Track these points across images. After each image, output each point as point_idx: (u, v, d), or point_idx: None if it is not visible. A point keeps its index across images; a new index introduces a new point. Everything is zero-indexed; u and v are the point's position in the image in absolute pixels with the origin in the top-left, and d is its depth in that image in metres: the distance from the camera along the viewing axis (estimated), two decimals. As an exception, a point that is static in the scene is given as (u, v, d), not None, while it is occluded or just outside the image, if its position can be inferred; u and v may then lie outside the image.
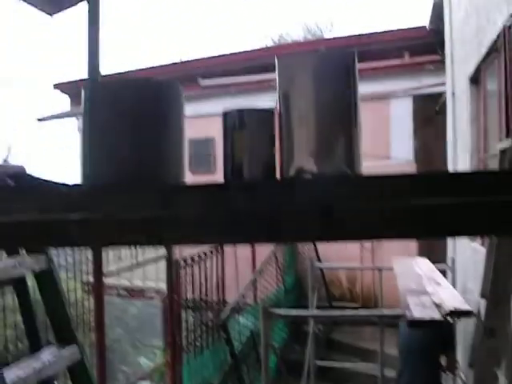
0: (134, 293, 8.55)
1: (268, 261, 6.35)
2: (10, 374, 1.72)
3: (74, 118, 10.72)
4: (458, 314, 2.67)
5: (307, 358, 5.25)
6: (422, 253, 6.10)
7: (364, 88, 1.08)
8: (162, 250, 4.45)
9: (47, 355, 1.90)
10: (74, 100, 10.58)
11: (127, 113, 1.03)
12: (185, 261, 3.65)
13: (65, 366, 1.96)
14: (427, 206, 0.83)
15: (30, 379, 1.78)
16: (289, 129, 1.05)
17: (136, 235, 0.84)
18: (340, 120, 1.05)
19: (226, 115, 1.08)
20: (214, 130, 8.05)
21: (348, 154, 1.05)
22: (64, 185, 0.99)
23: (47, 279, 1.98)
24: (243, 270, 5.99)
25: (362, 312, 3.36)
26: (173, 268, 3.43)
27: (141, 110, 1.03)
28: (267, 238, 0.90)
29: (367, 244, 7.62)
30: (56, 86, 11.05)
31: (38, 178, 1.24)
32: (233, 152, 1.06)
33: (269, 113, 1.09)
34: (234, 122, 1.06)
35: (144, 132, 1.04)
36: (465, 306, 2.66)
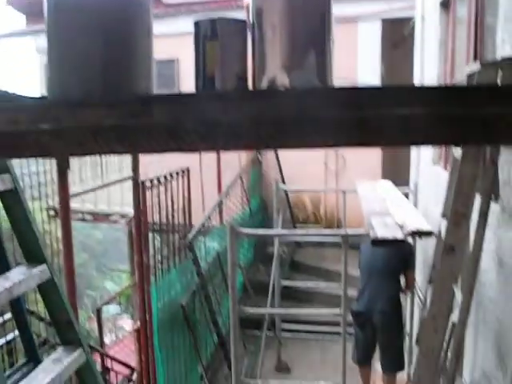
0: (98, 217, 8.56)
1: (234, 183, 6.40)
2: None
3: (30, 37, 10.23)
4: (419, 233, 2.78)
5: (272, 279, 5.42)
6: (386, 176, 6.23)
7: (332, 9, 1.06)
8: (126, 172, 4.41)
9: (17, 274, 1.90)
10: (31, 18, 10.08)
11: (95, 24, 0.99)
12: (151, 181, 3.64)
13: (35, 285, 1.98)
14: (399, 116, 0.84)
15: (2, 298, 1.79)
16: (261, 41, 1.03)
17: (109, 143, 0.83)
18: (312, 32, 1.04)
19: (197, 25, 1.04)
20: (178, 51, 7.83)
21: (320, 66, 1.04)
22: (32, 98, 0.96)
23: (13, 199, 1.94)
24: (209, 192, 6.03)
25: (326, 231, 3.46)
26: (139, 189, 3.42)
27: (109, 20, 0.99)
28: (238, 147, 0.90)
29: (332, 166, 7.73)
30: (9, 3, 10.48)
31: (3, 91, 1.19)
32: (204, 63, 1.04)
33: (241, 23, 1.06)
34: (206, 32, 1.02)
35: (112, 44, 1.00)
36: (426, 227, 2.76)
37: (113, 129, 0.85)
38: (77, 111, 0.86)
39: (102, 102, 0.88)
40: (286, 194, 7.40)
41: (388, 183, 4.75)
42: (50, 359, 2.06)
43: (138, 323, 3.84)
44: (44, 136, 0.86)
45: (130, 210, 5.58)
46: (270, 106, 0.86)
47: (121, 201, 7.16)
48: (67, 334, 2.11)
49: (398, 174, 6.39)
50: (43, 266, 1.99)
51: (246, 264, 6.54)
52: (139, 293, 3.66)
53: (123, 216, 7.30)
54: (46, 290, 2.06)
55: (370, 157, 7.17)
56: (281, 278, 5.52)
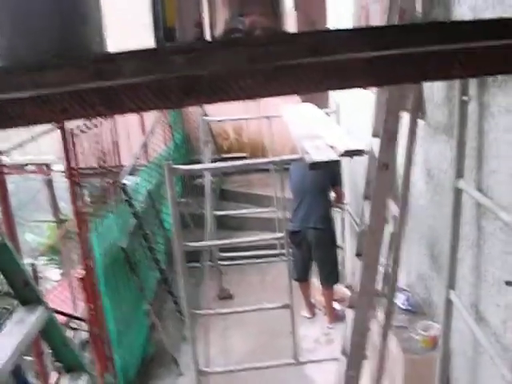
0: (12, 168, 8.19)
1: (157, 121, 6.36)
2: None
3: None
4: (351, 153, 2.93)
5: (206, 210, 5.53)
6: (306, 98, 6.35)
7: None
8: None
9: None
10: None
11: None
12: (78, 129, 3.56)
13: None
14: (362, 58, 0.92)
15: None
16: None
17: (93, 106, 0.85)
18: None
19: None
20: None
21: (275, 11, 1.09)
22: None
23: None
24: (135, 134, 5.96)
25: (261, 160, 3.56)
26: (67, 136, 3.35)
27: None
28: (217, 99, 0.94)
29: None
30: None
31: None
32: (164, 13, 1.06)
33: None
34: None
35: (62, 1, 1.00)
36: (357, 146, 2.91)
37: (74, 93, 0.87)
38: (46, 75, 0.87)
39: (68, 63, 0.89)
40: (209, 126, 7.41)
41: (310, 106, 4.87)
42: (12, 322, 2.06)
43: (82, 272, 3.86)
44: (19, 105, 0.87)
45: (47, 158, 5.44)
46: (234, 56, 0.91)
47: (49, 150, 6.89)
48: (26, 294, 2.11)
49: (318, 95, 6.51)
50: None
51: (177, 198, 6.57)
52: (80, 241, 3.66)
53: (41, 165, 7.04)
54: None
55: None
56: (214, 208, 5.66)
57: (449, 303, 2.30)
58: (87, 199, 4.06)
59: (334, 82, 0.93)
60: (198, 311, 4.20)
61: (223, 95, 0.88)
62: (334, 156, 2.82)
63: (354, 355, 2.86)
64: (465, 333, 2.42)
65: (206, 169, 4.97)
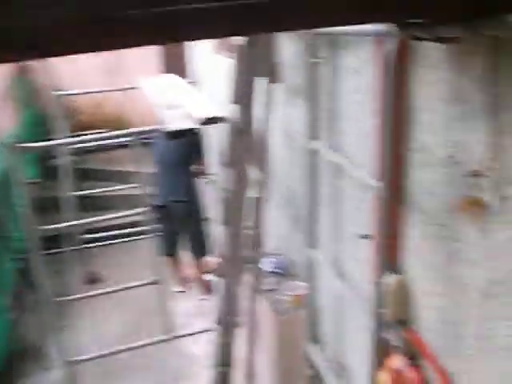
0: None
1: (3, 97, 5.90)
2: None
3: None
4: (211, 120, 2.93)
5: (63, 191, 5.27)
6: (169, 70, 6.24)
7: None
8: None
9: None
10: None
11: None
12: None
13: None
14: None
15: None
16: None
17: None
18: None
19: None
20: None
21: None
22: None
23: None
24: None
25: (117, 133, 3.43)
26: None
27: None
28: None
29: (111, 67, 7.47)
30: None
31: None
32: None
33: None
34: None
35: None
36: (217, 113, 2.91)
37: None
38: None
39: None
40: (65, 101, 7.02)
41: (172, 76, 4.79)
42: None
43: None
44: None
45: None
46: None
47: None
48: None
49: (177, 66, 6.43)
50: None
51: (37, 181, 6.22)
52: None
53: None
54: None
55: (150, 52, 7.06)
56: (74, 188, 5.40)
57: (311, 262, 2.40)
58: None
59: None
60: (62, 298, 4.01)
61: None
62: (192, 125, 2.80)
63: (227, 323, 2.91)
64: (329, 289, 2.55)
65: (57, 145, 4.68)
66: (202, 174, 4.96)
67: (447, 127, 1.49)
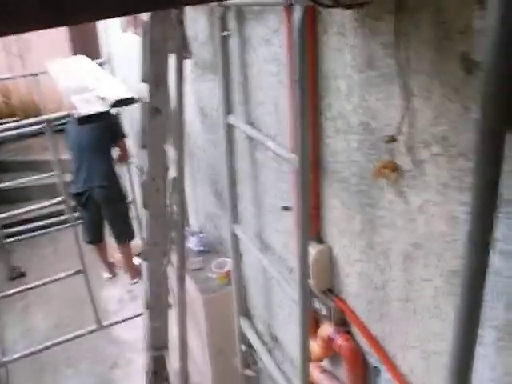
0: None
1: None
2: None
3: None
4: (122, 102, 2.78)
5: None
6: (77, 51, 5.96)
7: None
8: None
9: None
10: None
11: None
12: None
13: None
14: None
15: None
16: None
17: None
18: None
19: None
20: None
21: None
22: None
23: None
24: None
25: (27, 122, 3.22)
26: None
27: None
28: None
29: (14, 51, 7.06)
30: None
31: None
32: None
33: None
34: None
35: None
36: (128, 94, 2.77)
37: None
38: None
39: None
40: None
41: (82, 58, 4.56)
42: None
43: None
44: None
45: None
46: None
47: None
48: None
49: (87, 47, 6.15)
50: None
51: None
52: None
53: None
54: None
55: (56, 35, 6.69)
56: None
57: (235, 237, 2.35)
58: None
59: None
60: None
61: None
62: (102, 108, 2.64)
63: (156, 306, 2.83)
64: (254, 263, 2.51)
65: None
66: (123, 156, 4.78)
67: (360, 94, 1.46)
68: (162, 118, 2.36)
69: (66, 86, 3.29)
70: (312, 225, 1.76)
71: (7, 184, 5.53)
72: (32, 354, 3.59)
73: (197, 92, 2.78)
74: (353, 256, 1.66)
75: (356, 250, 1.64)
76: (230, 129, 2.18)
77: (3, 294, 3.86)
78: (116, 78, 4.81)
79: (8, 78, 6.23)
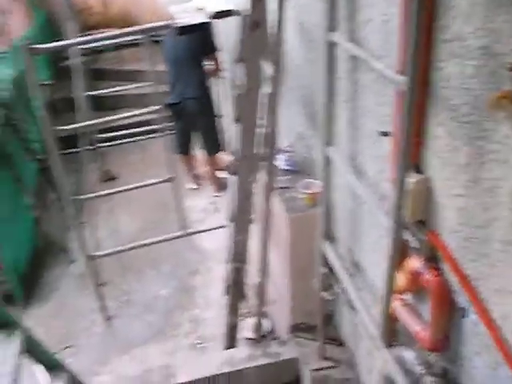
0: None
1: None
2: None
3: None
4: (222, 14, 2.69)
5: (76, 91, 5.08)
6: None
7: None
8: None
9: None
10: None
11: None
12: None
13: None
14: None
15: None
16: None
17: None
18: None
19: None
20: None
21: None
22: None
23: None
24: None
25: (127, 30, 3.19)
26: None
27: None
28: None
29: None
30: None
31: None
32: None
33: None
34: None
35: None
36: (227, 6, 2.67)
37: None
38: None
39: None
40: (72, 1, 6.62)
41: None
42: None
43: None
44: None
45: None
46: None
47: None
48: None
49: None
50: None
51: (52, 83, 6.06)
52: None
53: None
54: None
55: None
56: (86, 89, 5.20)
57: (327, 160, 2.26)
58: None
59: None
60: (80, 196, 3.97)
61: None
62: (202, 19, 2.57)
63: (240, 220, 2.84)
64: (344, 187, 2.43)
65: (68, 46, 4.46)
66: (215, 70, 4.72)
67: (484, 14, 1.28)
68: (261, 31, 2.25)
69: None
70: (412, 153, 1.63)
71: (104, 91, 5.64)
72: (118, 252, 3.76)
73: (298, 6, 2.61)
74: (454, 190, 1.53)
75: (458, 184, 1.51)
76: (331, 47, 2.03)
77: (97, 194, 4.01)
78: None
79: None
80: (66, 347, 3.58)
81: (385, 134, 1.81)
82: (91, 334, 3.75)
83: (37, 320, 3.65)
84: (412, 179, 1.65)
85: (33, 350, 2.00)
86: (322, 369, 2.86)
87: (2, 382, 1.63)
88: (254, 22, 2.17)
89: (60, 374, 2.24)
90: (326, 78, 2.06)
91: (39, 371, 2.10)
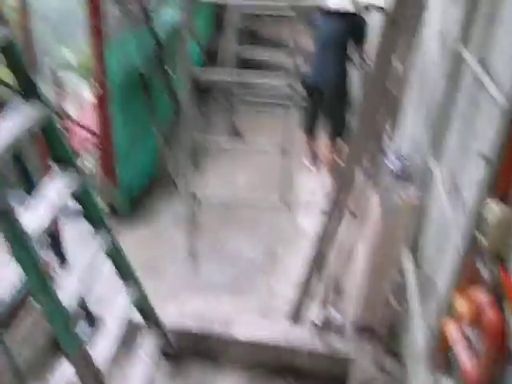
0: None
1: None
2: None
3: None
4: (371, 7, 2.70)
5: (230, 48, 5.32)
6: None
7: None
8: None
9: None
10: None
11: None
12: None
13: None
14: None
15: None
16: None
17: None
18: None
19: None
20: None
21: None
22: None
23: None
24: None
25: (283, 4, 3.27)
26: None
27: None
28: None
29: None
30: None
31: None
32: None
33: None
34: None
35: None
36: (379, 2, 2.67)
37: None
38: None
39: None
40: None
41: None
42: (9, 109, 2.00)
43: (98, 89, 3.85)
44: None
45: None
46: None
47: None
48: (27, 88, 2.06)
49: None
50: None
51: (205, 36, 6.35)
52: (95, 57, 3.57)
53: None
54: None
55: None
56: (237, 47, 5.42)
57: (429, 172, 2.22)
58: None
59: None
60: (202, 142, 4.17)
61: None
62: (350, 7, 2.59)
63: (335, 207, 2.86)
64: (437, 202, 2.37)
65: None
66: (358, 59, 4.70)
67: None
68: (396, 29, 2.24)
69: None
70: (505, 182, 1.57)
71: (253, 54, 5.82)
72: (221, 202, 3.95)
73: (441, 13, 2.52)
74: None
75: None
76: (458, 62, 1.97)
77: (218, 144, 4.20)
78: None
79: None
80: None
81: (485, 157, 1.75)
82: (173, 266, 4.00)
83: (130, 240, 3.92)
84: (500, 210, 1.59)
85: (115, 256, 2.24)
86: (372, 377, 2.85)
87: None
88: (393, 20, 2.16)
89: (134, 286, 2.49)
90: (447, 89, 2.02)
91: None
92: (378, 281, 2.78)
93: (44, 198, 2.02)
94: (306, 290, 3.16)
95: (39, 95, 2.06)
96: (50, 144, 2.17)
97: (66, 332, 2.01)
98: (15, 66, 2.02)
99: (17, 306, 2.40)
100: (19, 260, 1.83)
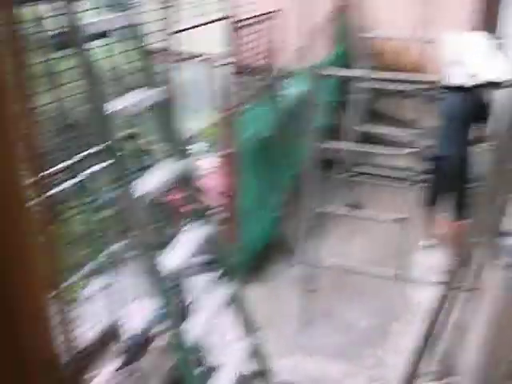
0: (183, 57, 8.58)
1: (320, 28, 6.28)
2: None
3: None
4: (490, 84, 2.71)
5: (353, 122, 5.50)
6: (479, 26, 5.80)
7: None
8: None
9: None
10: None
11: None
12: (245, 20, 3.65)
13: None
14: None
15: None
16: None
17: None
18: None
19: None
20: None
21: None
22: None
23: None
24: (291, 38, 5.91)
25: (401, 76, 3.40)
26: (232, 28, 3.46)
27: None
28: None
29: (422, 14, 7.21)
30: None
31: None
32: None
33: None
34: None
35: None
36: (499, 78, 2.66)
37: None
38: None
39: None
40: (370, 42, 7.09)
41: (479, 33, 4.48)
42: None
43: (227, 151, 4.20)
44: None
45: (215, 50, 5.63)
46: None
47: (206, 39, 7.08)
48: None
49: (491, 23, 5.90)
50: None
51: (329, 108, 6.61)
52: (227, 125, 3.91)
53: (208, 56, 7.28)
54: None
55: (466, 6, 6.56)
56: (359, 123, 5.60)
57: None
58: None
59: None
60: (323, 210, 4.31)
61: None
62: (470, 83, 2.63)
63: (451, 284, 2.81)
64: None
65: (350, 76, 4.85)
66: (480, 136, 4.67)
67: None
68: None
69: (448, 56, 3.35)
70: None
71: (374, 129, 5.96)
72: (336, 269, 4.02)
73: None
74: None
75: None
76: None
77: (337, 213, 4.33)
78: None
79: (405, 40, 6.47)
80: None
81: None
82: (286, 326, 4.11)
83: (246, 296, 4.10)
84: None
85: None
86: None
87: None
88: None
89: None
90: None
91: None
92: (496, 360, 2.65)
93: (179, 244, 2.25)
94: (417, 365, 3.07)
95: (184, 152, 2.35)
96: (186, 196, 2.44)
97: (189, 373, 2.17)
98: (167, 124, 2.32)
99: (145, 343, 2.61)
100: (157, 297, 2.04)
